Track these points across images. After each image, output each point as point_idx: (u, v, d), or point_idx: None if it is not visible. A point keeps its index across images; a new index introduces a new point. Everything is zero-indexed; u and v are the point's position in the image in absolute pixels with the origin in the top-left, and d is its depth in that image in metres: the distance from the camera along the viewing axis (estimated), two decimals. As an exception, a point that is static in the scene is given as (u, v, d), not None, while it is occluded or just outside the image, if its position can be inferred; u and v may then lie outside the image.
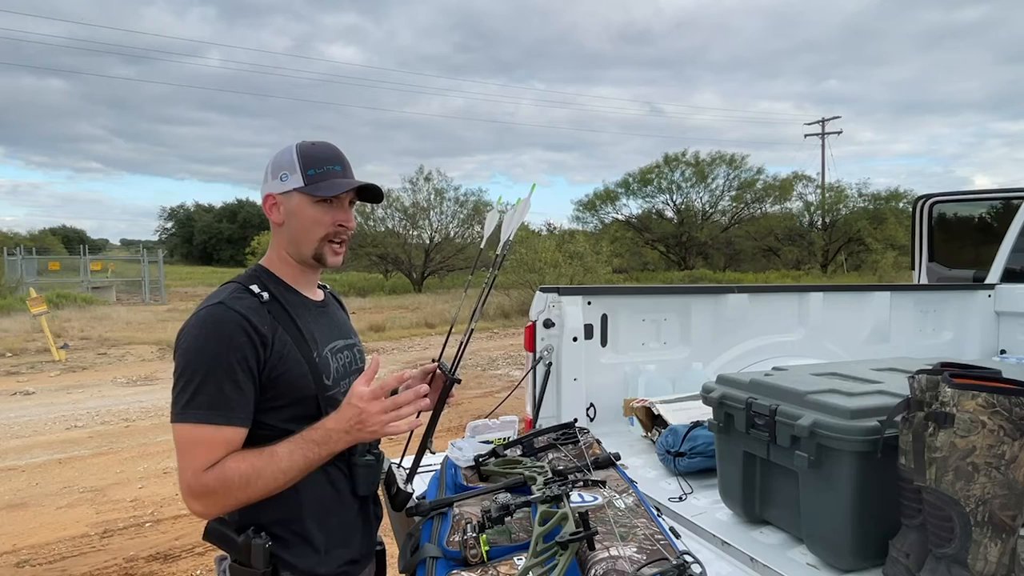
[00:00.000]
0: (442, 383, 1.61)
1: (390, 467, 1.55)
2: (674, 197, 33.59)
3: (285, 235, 1.45)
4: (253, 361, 1.30)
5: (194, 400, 1.26)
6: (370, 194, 1.48)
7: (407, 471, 1.61)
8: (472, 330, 1.63)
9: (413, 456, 1.72)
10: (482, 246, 1.82)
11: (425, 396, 1.38)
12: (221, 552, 1.40)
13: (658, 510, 1.61)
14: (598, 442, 1.91)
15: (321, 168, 1.41)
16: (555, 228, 32.67)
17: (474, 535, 1.33)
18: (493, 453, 1.84)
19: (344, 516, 1.46)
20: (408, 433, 1.61)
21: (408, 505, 1.55)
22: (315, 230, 1.42)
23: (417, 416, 1.42)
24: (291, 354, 1.36)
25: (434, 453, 1.66)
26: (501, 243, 1.65)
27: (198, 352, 1.28)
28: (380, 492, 1.57)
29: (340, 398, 1.43)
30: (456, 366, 1.59)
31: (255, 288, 1.39)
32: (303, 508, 1.38)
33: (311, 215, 1.41)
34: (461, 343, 1.62)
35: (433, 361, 1.63)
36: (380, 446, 1.53)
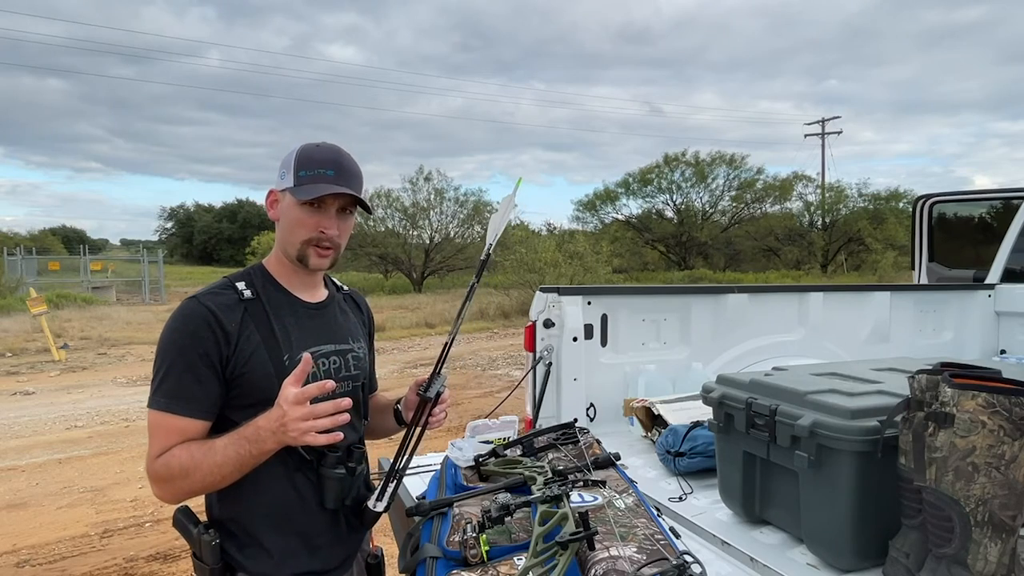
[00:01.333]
0: (442, 398, 1.50)
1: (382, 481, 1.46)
2: (674, 197, 33.62)
3: (279, 232, 1.47)
4: (215, 357, 1.32)
5: (158, 389, 1.32)
6: (365, 203, 1.46)
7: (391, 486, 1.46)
8: (449, 345, 1.52)
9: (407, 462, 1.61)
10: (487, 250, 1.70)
11: (346, 411, 1.29)
12: None
13: (658, 510, 1.61)
14: (598, 442, 1.91)
15: (312, 171, 1.39)
16: (555, 228, 32.72)
17: (474, 535, 1.33)
18: (493, 453, 1.84)
19: (309, 526, 1.42)
20: (406, 441, 1.50)
21: (410, 514, 1.52)
22: (298, 232, 1.41)
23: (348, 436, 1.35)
24: (257, 355, 1.36)
25: (399, 475, 1.47)
26: (487, 247, 1.58)
27: (166, 343, 1.33)
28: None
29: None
30: (430, 384, 1.47)
31: (240, 285, 1.41)
32: (259, 511, 1.38)
33: (295, 217, 1.41)
34: (440, 356, 1.50)
35: (435, 375, 1.52)
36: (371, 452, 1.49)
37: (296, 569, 1.41)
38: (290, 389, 1.25)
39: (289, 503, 1.40)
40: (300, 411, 1.24)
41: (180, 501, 1.35)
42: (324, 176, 1.39)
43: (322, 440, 1.26)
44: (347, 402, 1.29)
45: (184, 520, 1.40)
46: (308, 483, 1.41)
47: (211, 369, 1.32)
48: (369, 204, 1.49)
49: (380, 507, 1.42)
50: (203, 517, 1.43)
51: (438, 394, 1.47)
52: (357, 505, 1.46)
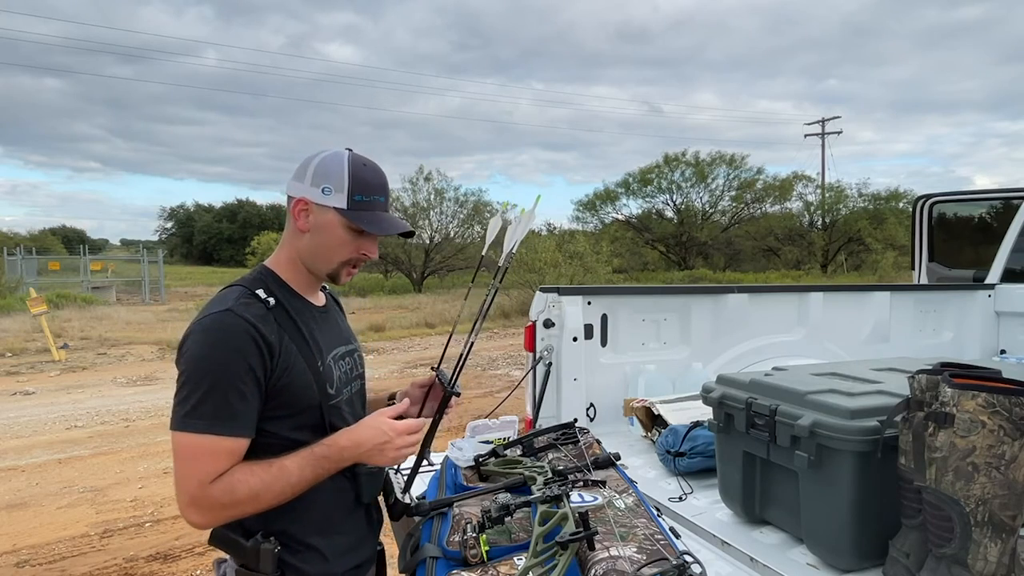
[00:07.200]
0: (440, 393, 1.57)
1: (387, 474, 1.55)
2: (674, 197, 33.60)
3: (305, 244, 1.40)
4: (260, 371, 1.28)
5: (197, 409, 1.23)
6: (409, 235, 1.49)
7: (404, 479, 1.60)
8: (472, 343, 1.59)
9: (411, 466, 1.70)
10: (483, 252, 1.80)
11: (359, 407, 1.49)
12: (220, 555, 1.39)
13: (658, 510, 1.61)
14: (598, 442, 1.91)
15: (368, 196, 1.37)
16: (555, 228, 32.70)
17: (474, 535, 1.33)
18: (493, 453, 1.84)
19: (349, 522, 1.46)
20: None
21: (406, 511, 1.55)
22: (339, 253, 1.40)
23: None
24: (297, 364, 1.34)
25: (432, 465, 1.65)
26: (504, 255, 1.62)
27: (204, 360, 1.25)
28: (380, 497, 1.57)
29: (342, 406, 1.44)
30: (455, 379, 1.55)
31: (261, 293, 1.35)
32: (309, 516, 1.37)
33: (341, 238, 1.38)
34: (461, 355, 1.58)
35: (432, 370, 1.60)
36: None
37: (347, 565, 1.44)
38: (389, 421, 1.38)
39: (331, 504, 1.41)
40: (408, 440, 1.38)
41: (218, 525, 1.30)
42: (378, 203, 1.40)
43: (404, 456, 1.41)
44: (420, 422, 1.46)
45: (231, 534, 1.32)
46: (345, 482, 1.43)
47: (256, 384, 1.28)
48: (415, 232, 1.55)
49: (408, 498, 1.52)
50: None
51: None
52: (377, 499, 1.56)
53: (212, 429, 1.23)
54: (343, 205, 1.36)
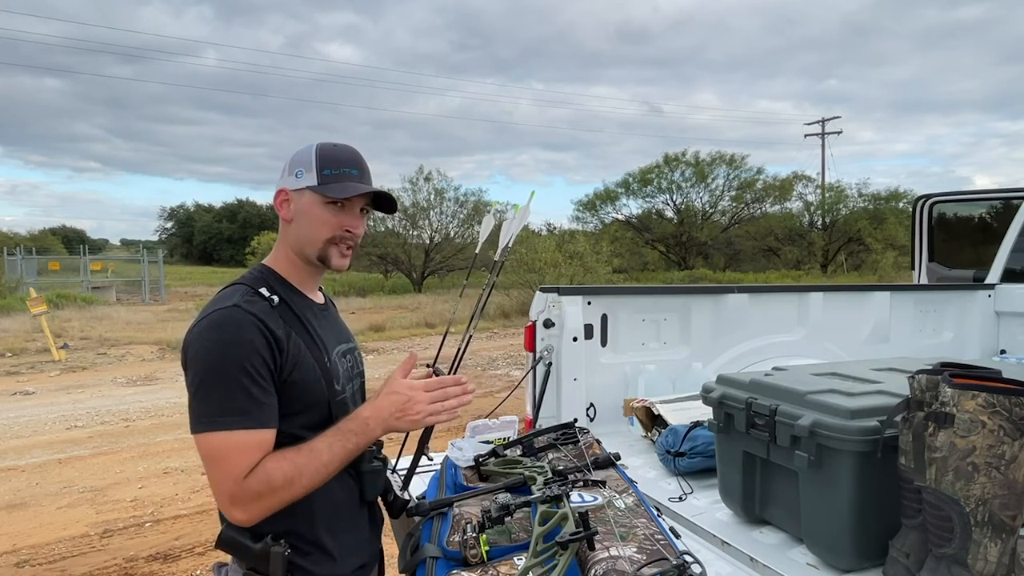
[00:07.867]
0: None
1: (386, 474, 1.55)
2: (674, 197, 33.61)
3: (292, 233, 1.42)
4: (272, 363, 1.28)
5: (223, 407, 1.22)
6: (383, 203, 1.47)
7: (402, 477, 1.60)
8: (471, 336, 1.61)
9: (410, 462, 1.71)
10: (477, 250, 1.82)
11: (471, 391, 1.41)
12: (221, 557, 1.39)
13: (658, 510, 1.61)
14: (598, 442, 1.91)
15: (337, 169, 1.38)
16: (555, 228, 32.71)
17: (474, 535, 1.33)
18: (493, 453, 1.84)
19: (354, 522, 1.45)
20: (404, 437, 1.60)
21: (406, 508, 1.55)
22: (321, 231, 1.39)
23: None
24: (305, 359, 1.34)
25: (431, 460, 1.65)
26: (499, 249, 1.64)
27: (217, 355, 1.24)
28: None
29: (348, 403, 1.44)
30: (454, 371, 1.57)
31: (264, 291, 1.35)
32: (316, 516, 1.37)
33: (319, 215, 1.38)
34: (459, 349, 1.60)
35: (428, 366, 1.59)
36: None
37: (353, 565, 1.44)
38: (405, 380, 1.37)
39: (338, 503, 1.41)
40: (430, 394, 1.36)
41: (264, 517, 1.27)
42: (350, 175, 1.39)
43: (444, 419, 1.37)
44: (465, 379, 1.41)
45: (239, 537, 1.29)
46: (349, 481, 1.43)
47: (271, 376, 1.28)
48: (396, 201, 1.50)
49: (407, 495, 1.52)
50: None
51: None
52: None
53: (241, 424, 1.23)
54: (314, 182, 1.38)
